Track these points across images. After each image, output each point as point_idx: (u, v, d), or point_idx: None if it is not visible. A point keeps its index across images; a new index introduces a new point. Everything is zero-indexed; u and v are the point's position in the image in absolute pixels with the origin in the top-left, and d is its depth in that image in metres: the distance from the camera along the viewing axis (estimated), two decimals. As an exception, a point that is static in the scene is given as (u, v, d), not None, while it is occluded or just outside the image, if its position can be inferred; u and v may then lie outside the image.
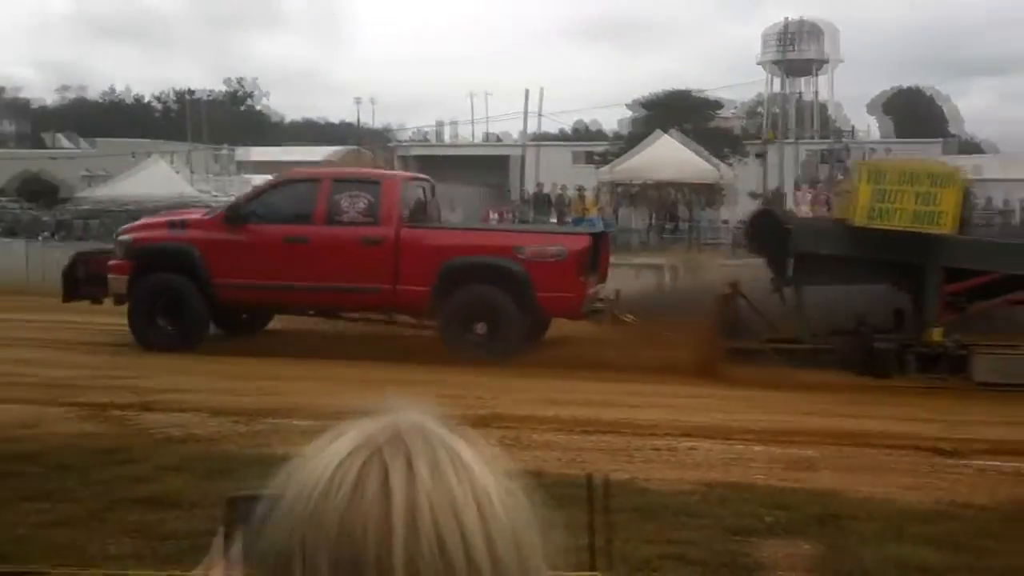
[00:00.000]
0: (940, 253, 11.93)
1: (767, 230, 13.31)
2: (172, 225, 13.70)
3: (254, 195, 13.89)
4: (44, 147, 73.95)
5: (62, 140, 78.71)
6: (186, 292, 12.64)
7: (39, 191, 50.50)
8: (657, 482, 6.73)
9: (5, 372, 10.60)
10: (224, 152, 59.81)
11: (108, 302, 13.42)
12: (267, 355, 11.90)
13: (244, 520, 1.03)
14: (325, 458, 0.80)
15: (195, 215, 14.40)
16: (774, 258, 12.71)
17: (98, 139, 71.86)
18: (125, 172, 39.28)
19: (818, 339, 12.13)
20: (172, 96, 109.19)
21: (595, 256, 13.01)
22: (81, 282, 13.61)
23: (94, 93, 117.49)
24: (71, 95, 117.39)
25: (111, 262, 13.21)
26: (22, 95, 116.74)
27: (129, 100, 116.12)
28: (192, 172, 45.30)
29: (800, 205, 29.92)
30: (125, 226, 14.64)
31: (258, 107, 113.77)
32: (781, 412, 9.67)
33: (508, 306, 12.07)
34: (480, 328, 12.15)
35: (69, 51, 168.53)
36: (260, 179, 44.43)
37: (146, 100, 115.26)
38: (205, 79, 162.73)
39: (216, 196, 40.57)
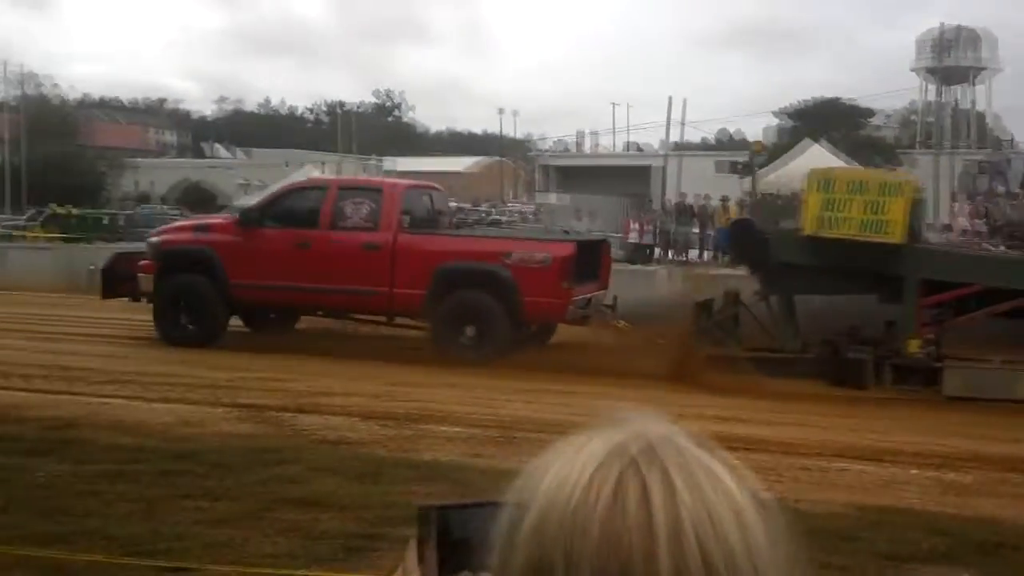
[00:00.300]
0: (918, 265, 11.96)
1: (746, 240, 13.33)
2: (196, 229, 14.61)
3: (267, 201, 14.55)
4: (203, 157, 77.17)
5: (220, 150, 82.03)
6: (205, 292, 13.38)
7: (199, 199, 52.85)
8: (807, 503, 6.54)
9: (168, 373, 11.11)
10: (373, 162, 61.27)
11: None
12: (416, 362, 12.09)
13: (435, 529, 1.05)
14: (577, 467, 0.78)
15: (219, 220, 15.21)
16: (756, 268, 12.91)
17: (253, 149, 74.69)
18: (279, 181, 40.61)
19: (796, 348, 12.29)
20: (324, 108, 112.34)
21: (591, 263, 13.35)
22: (118, 280, 14.34)
23: (251, 105, 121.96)
24: (228, 107, 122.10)
25: (141, 262, 14.09)
26: (183, 107, 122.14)
27: (284, 112, 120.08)
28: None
29: (958, 217, 28.69)
30: (156, 229, 15.59)
31: (405, 118, 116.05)
32: (930, 434, 9.35)
33: (496, 310, 12.43)
34: (470, 331, 12.50)
35: (227, 64, 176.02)
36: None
37: (299, 112, 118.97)
38: (355, 91, 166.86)
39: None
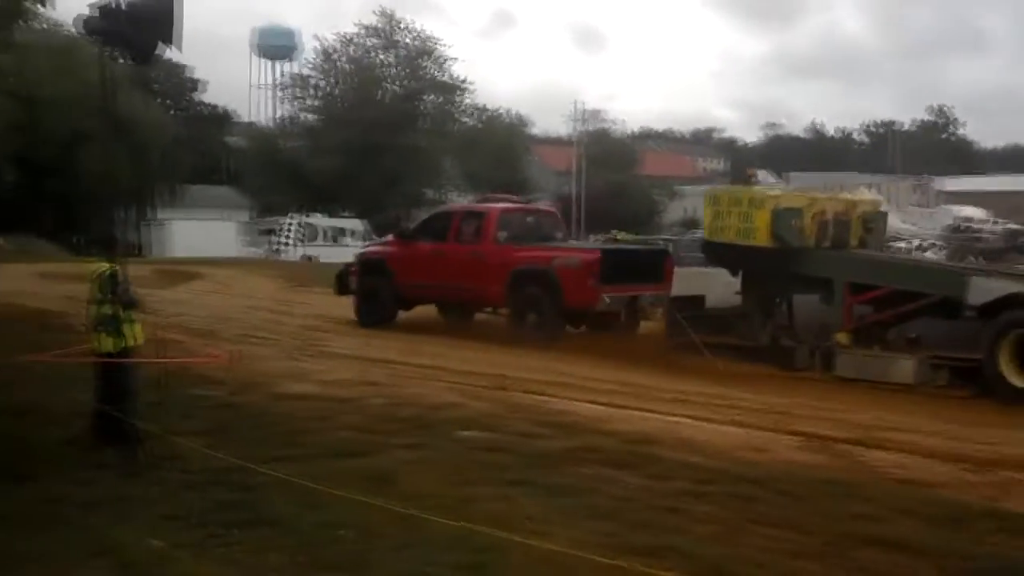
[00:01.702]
0: (843, 269, 14.37)
1: (718, 246, 15.28)
2: (382, 244, 20.37)
3: (421, 222, 19.73)
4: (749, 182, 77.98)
5: (766, 176, 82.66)
6: (382, 288, 18.30)
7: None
8: None
9: (729, 395, 11.33)
10: (925, 182, 57.87)
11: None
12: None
13: None
14: None
15: (393, 237, 19.78)
16: (732, 272, 15.48)
17: (790, 173, 74.37)
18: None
19: (763, 341, 14.75)
20: (872, 128, 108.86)
21: (642, 269, 16.69)
22: (345, 282, 19.43)
23: (796, 129, 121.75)
24: (773, 132, 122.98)
25: (352, 268, 19.39)
26: (728, 135, 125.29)
27: (830, 134, 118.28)
28: (893, 204, 44.47)
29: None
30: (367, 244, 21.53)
31: (958, 135, 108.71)
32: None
33: (546, 301, 16.05)
34: (531, 318, 16.15)
35: (770, 90, 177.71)
36: (966, 210, 42.41)
37: (847, 134, 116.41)
38: (904, 109, 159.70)
39: (917, 228, 39.41)
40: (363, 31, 58.22)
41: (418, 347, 14.80)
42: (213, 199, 63.49)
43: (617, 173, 69.10)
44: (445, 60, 58.27)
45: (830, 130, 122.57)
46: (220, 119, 74.12)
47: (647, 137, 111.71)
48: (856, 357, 13.52)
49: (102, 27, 7.37)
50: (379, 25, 58.11)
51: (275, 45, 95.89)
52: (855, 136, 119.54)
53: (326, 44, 58.99)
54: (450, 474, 7.36)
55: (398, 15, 60.15)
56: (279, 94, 71.10)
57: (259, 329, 17.25)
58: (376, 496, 6.30)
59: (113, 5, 7.27)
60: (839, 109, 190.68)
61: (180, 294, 24.50)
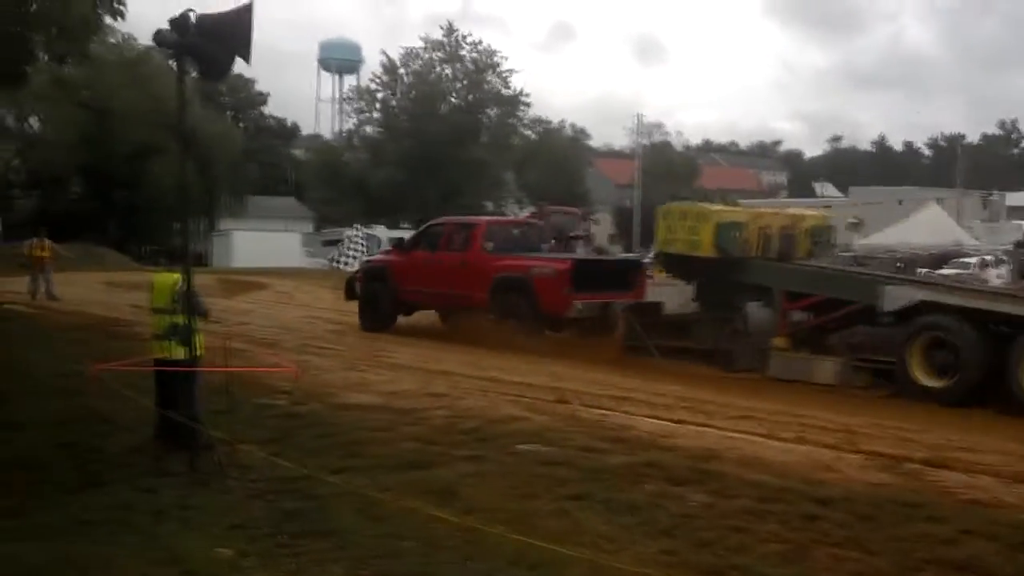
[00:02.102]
0: (779, 278, 15.58)
1: (671, 257, 16.99)
2: (384, 253, 21.86)
3: (417, 233, 20.98)
4: (813, 196, 77.36)
5: (831, 189, 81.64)
6: (383, 293, 19.34)
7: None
8: None
9: (794, 412, 11.18)
10: (993, 197, 56.73)
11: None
12: None
13: None
14: None
15: (395, 248, 20.96)
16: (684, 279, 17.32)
17: (853, 187, 73.34)
18: (894, 220, 39.29)
19: (697, 342, 16.18)
20: (941, 142, 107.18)
21: (614, 278, 17.65)
22: (353, 288, 20.55)
23: (862, 143, 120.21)
24: (838, 145, 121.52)
25: (358, 275, 20.95)
26: (792, 147, 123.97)
27: (897, 148, 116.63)
28: (960, 218, 43.73)
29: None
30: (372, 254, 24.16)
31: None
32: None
33: (524, 306, 16.98)
34: (512, 322, 16.86)
35: (833, 102, 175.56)
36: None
37: (914, 147, 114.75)
38: (976, 123, 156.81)
39: (984, 243, 38.64)
40: (427, 45, 58.66)
41: (479, 359, 14.83)
42: (277, 210, 64.41)
43: (678, 186, 68.72)
44: (507, 73, 58.50)
45: (896, 143, 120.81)
46: (286, 132, 75.26)
47: (708, 150, 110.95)
48: (786, 359, 14.78)
49: (177, 41, 7.50)
50: (443, 39, 58.53)
51: (340, 59, 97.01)
52: (921, 150, 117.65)
53: (390, 58, 59.53)
54: (511, 488, 7.34)
55: (460, 29, 60.56)
56: (343, 107, 71.88)
57: (321, 339, 17.42)
58: (438, 509, 6.31)
59: (188, 20, 7.39)
60: (904, 122, 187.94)
61: (243, 304, 24.82)
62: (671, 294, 18.09)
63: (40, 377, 12.13)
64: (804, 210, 22.41)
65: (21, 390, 11.25)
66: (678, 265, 16.93)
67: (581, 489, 7.27)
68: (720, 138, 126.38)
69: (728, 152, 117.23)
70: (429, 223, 21.17)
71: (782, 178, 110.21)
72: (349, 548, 6.01)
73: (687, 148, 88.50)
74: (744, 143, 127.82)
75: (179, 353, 8.24)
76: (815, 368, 14.38)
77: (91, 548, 6.00)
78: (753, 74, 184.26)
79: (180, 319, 8.25)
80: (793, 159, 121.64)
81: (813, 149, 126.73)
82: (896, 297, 13.76)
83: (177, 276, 8.37)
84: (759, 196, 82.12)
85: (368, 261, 21.79)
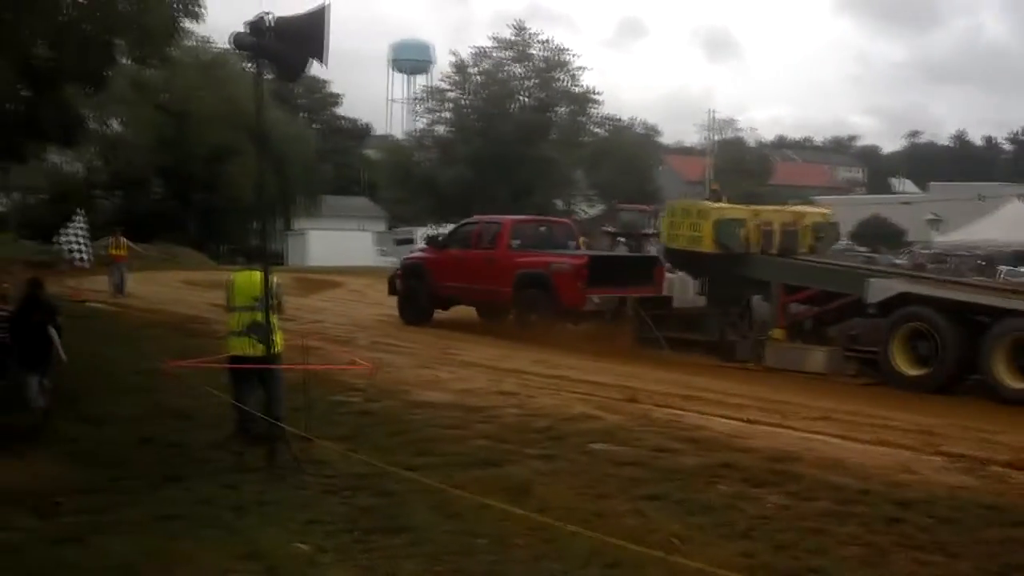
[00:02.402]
0: (777, 272, 15.97)
1: (676, 252, 17.38)
2: (421, 250, 22.14)
3: (451, 231, 21.51)
4: (891, 192, 75.86)
5: (909, 185, 79.93)
6: (420, 289, 20.04)
7: (878, 235, 52.05)
8: None
9: (873, 414, 10.96)
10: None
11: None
12: None
13: None
14: None
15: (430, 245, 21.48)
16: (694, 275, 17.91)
17: (932, 183, 71.75)
18: (975, 216, 38.34)
19: (703, 334, 16.51)
20: (1020, 136, 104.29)
21: (631, 273, 18.38)
22: (394, 284, 21.12)
23: (941, 138, 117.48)
24: (915, 140, 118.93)
25: (398, 272, 21.42)
26: (869, 142, 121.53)
27: (976, 143, 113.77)
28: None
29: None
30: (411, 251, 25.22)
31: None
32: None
33: (543, 300, 17.58)
34: (532, 316, 17.57)
35: (910, 96, 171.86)
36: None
37: (995, 142, 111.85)
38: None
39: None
40: (497, 44, 58.73)
41: (548, 357, 14.83)
42: (350, 210, 65.10)
43: (751, 183, 67.87)
44: (577, 71, 58.30)
45: (975, 138, 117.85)
46: (358, 132, 75.98)
47: (782, 146, 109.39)
48: (780, 349, 15.21)
49: (253, 44, 7.61)
50: (513, 38, 58.54)
51: (411, 59, 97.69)
52: (1002, 144, 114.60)
53: (460, 58, 59.75)
54: (584, 487, 7.33)
55: (530, 27, 60.49)
56: (414, 108, 72.38)
57: (392, 337, 17.58)
58: (511, 506, 6.31)
59: (265, 22, 7.49)
60: (984, 116, 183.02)
61: (318, 302, 25.14)
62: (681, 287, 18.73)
63: (119, 374, 12.43)
64: (807, 207, 23.73)
65: (102, 386, 11.54)
66: (683, 260, 17.56)
67: (656, 489, 7.23)
68: (794, 134, 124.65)
69: (803, 148, 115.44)
70: (462, 222, 22.06)
71: (858, 174, 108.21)
72: (423, 544, 6.05)
73: (760, 144, 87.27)
74: (819, 139, 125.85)
75: (258, 350, 8.37)
76: (807, 358, 14.90)
77: (173, 543, 6.12)
78: (826, 68, 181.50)
79: (260, 316, 8.38)
80: (870, 154, 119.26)
81: (890, 144, 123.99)
82: (881, 289, 14.18)
83: (260, 274, 8.49)
84: (834, 192, 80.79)
85: (407, 258, 22.52)
